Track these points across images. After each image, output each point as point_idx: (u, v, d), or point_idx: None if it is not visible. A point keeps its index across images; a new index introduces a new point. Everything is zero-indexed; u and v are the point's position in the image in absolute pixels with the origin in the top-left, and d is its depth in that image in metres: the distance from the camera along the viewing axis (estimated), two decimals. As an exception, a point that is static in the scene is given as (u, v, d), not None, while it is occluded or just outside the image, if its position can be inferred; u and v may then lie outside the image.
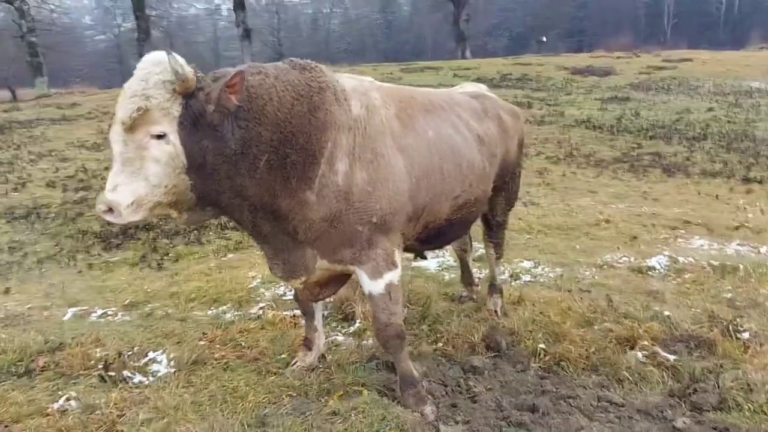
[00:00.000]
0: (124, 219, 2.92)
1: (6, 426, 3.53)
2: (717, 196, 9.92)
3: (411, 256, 5.98)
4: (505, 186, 4.81)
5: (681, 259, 6.49)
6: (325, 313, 5.28)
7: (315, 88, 3.28)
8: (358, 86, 3.58)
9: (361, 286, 3.82)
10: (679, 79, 21.83)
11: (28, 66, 29.67)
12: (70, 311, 5.43)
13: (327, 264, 3.55)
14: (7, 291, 5.98)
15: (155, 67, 2.93)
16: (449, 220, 4.05)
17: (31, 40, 28.85)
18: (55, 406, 3.71)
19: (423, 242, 4.08)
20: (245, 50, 37.71)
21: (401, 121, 3.69)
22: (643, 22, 63.90)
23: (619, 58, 28.97)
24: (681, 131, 14.59)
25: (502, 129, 4.50)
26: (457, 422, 3.62)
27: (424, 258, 5.19)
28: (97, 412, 3.63)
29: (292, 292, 4.29)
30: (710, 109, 16.65)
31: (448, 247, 5.84)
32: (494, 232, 5.10)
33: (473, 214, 4.32)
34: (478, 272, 6.10)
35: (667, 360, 4.33)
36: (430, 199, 3.77)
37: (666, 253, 6.74)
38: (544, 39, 47.41)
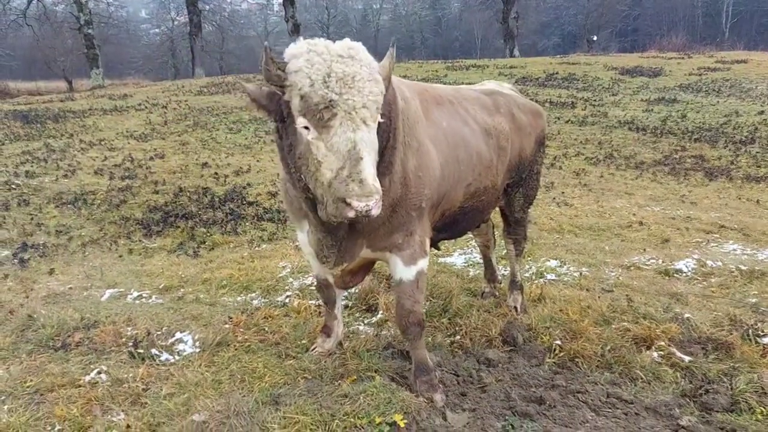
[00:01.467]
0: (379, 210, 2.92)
1: (41, 394, 3.80)
2: (758, 201, 9.69)
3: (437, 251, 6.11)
4: (522, 182, 4.89)
5: (709, 262, 6.42)
6: (350, 303, 5.46)
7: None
8: (393, 79, 3.72)
9: (390, 275, 3.97)
10: (732, 80, 21.19)
11: (85, 58, 30.68)
12: (108, 292, 5.72)
13: (370, 252, 3.71)
14: (51, 272, 6.32)
15: (364, 53, 3.03)
16: (462, 207, 4.19)
17: (87, 32, 29.88)
18: (87, 378, 3.96)
19: (438, 231, 4.19)
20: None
21: (425, 112, 3.85)
22: (700, 22, 62.08)
23: (670, 58, 28.24)
24: (728, 134, 14.23)
25: (515, 125, 4.59)
26: (464, 410, 3.73)
27: (437, 248, 5.27)
28: (124, 386, 3.88)
29: (315, 281, 4.44)
30: (761, 113, 16.14)
31: (474, 243, 5.93)
32: (513, 228, 5.17)
33: (483, 203, 4.41)
34: (503, 269, 6.16)
35: (682, 361, 4.34)
36: (450, 187, 3.94)
37: (695, 256, 6.66)
38: (594, 38, 46.63)
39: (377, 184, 2.85)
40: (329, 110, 2.82)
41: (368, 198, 2.80)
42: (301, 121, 2.90)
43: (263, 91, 3.07)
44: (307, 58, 2.88)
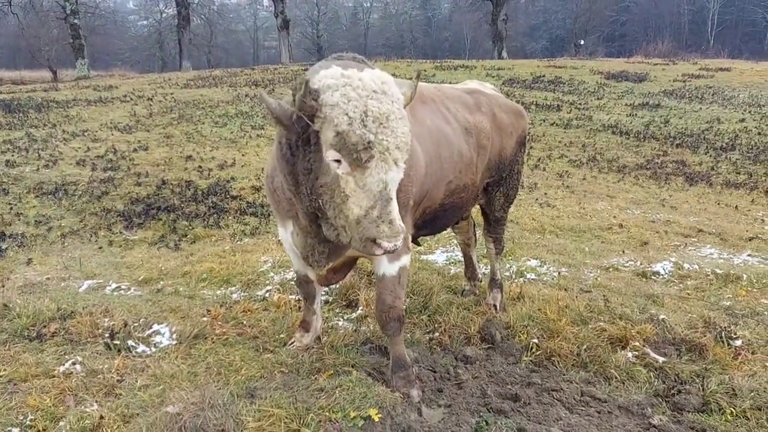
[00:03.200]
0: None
1: (15, 384, 3.76)
2: (736, 207, 9.84)
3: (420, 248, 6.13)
4: (502, 182, 4.93)
5: (686, 265, 6.50)
6: (330, 298, 5.47)
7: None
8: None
9: (373, 270, 3.99)
10: (714, 88, 21.44)
11: (70, 48, 30.37)
12: (86, 283, 5.69)
13: (355, 251, 3.70)
14: (29, 262, 6.27)
15: (394, 86, 2.98)
16: (443, 205, 4.22)
17: (73, 22, 29.60)
18: (61, 369, 3.92)
19: (419, 228, 4.21)
20: (283, 41, 38.14)
21: (410, 110, 3.85)
22: (686, 29, 62.70)
23: (656, 64, 28.52)
24: (709, 141, 14.41)
25: (496, 125, 4.62)
26: (439, 405, 3.75)
27: (418, 245, 5.29)
28: (99, 377, 3.85)
29: (295, 276, 4.44)
30: (742, 120, 16.36)
31: (456, 242, 5.95)
32: (493, 227, 5.21)
33: (463, 200, 4.44)
34: (484, 268, 6.19)
35: (656, 361, 4.39)
36: (432, 184, 3.96)
37: (672, 259, 6.74)
38: (582, 42, 46.96)
39: (402, 223, 2.92)
40: (367, 151, 2.79)
41: (396, 238, 2.87)
42: (332, 155, 2.86)
43: (287, 111, 2.93)
44: (344, 93, 2.80)
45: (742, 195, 10.65)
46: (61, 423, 3.34)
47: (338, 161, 2.86)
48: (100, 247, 6.97)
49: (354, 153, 2.79)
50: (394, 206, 2.91)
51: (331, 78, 2.85)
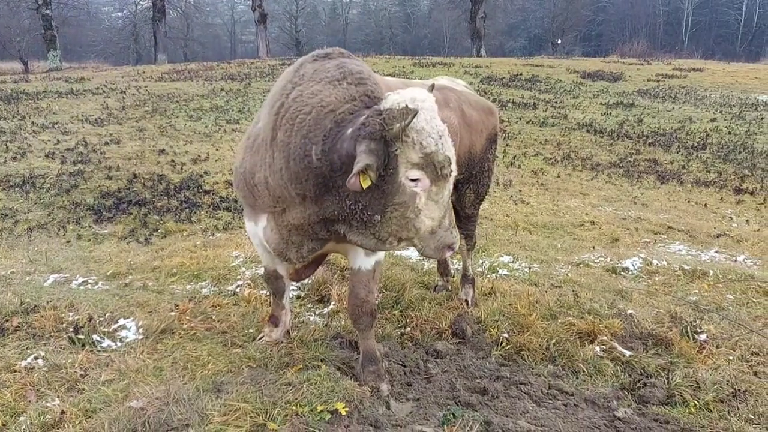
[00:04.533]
0: None
1: (-26, 379, 3.68)
2: (706, 204, 9.99)
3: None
4: (473, 179, 4.94)
5: (655, 261, 6.59)
6: (302, 293, 5.44)
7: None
8: None
9: (348, 264, 3.97)
10: (687, 88, 21.76)
11: (42, 39, 29.82)
12: (52, 277, 5.58)
13: (333, 245, 3.71)
14: (-6, 255, 6.14)
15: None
16: None
17: (45, 12, 29.08)
18: (23, 363, 3.86)
19: None
20: (261, 35, 37.85)
21: None
22: (661, 30, 63.58)
23: (631, 64, 28.86)
24: (681, 140, 14.61)
25: (465, 121, 4.62)
26: (408, 399, 3.75)
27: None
28: (61, 371, 3.79)
29: (264, 271, 4.40)
30: (713, 120, 16.63)
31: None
32: (464, 224, 5.21)
33: None
34: (456, 264, 6.21)
35: (623, 355, 4.45)
36: None
37: (642, 255, 6.83)
38: (559, 41, 47.40)
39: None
40: (448, 167, 2.98)
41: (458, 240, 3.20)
42: (414, 174, 2.95)
43: (377, 152, 2.88)
44: (424, 117, 2.90)
45: (712, 193, 10.82)
46: (21, 418, 3.28)
47: (416, 180, 2.97)
48: (68, 241, 6.85)
49: (438, 170, 2.96)
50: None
51: (409, 102, 2.90)
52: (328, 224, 3.34)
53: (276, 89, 3.48)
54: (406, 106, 2.84)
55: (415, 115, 2.82)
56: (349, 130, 2.98)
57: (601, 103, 18.71)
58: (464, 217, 5.17)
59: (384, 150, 2.87)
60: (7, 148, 10.11)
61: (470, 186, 4.96)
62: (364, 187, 2.85)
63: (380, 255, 3.78)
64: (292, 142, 3.16)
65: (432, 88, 3.28)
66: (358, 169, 2.78)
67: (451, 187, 3.13)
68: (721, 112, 17.78)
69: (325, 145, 3.05)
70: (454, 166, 3.03)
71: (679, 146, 14.04)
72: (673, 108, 18.18)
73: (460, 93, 4.80)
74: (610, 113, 17.28)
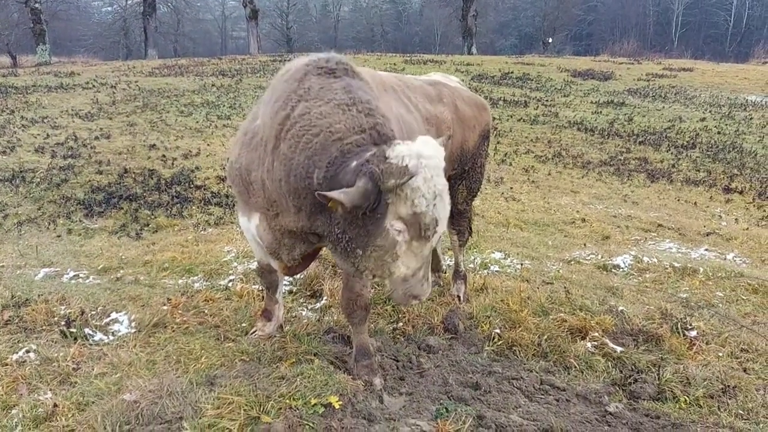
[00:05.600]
0: None
1: (-35, 373, 3.66)
2: (695, 203, 10.07)
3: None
4: (465, 175, 4.96)
5: (645, 259, 6.64)
6: (294, 288, 5.43)
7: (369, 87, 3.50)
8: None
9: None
10: (677, 87, 21.90)
11: (31, 33, 29.55)
12: (43, 271, 5.54)
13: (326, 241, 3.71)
14: (-17, 249, 6.09)
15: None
16: None
17: (34, 6, 28.82)
18: (14, 357, 3.84)
19: None
20: (251, 31, 37.70)
21: (381, 100, 3.86)
22: (651, 30, 63.89)
23: (621, 63, 29.00)
24: (671, 139, 14.70)
25: (458, 117, 4.64)
26: (401, 393, 3.77)
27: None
28: (53, 365, 3.77)
29: (258, 266, 4.39)
30: (702, 119, 16.75)
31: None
32: (456, 219, 5.22)
33: None
34: (448, 260, 6.22)
35: (614, 351, 4.48)
36: None
37: (632, 253, 6.88)
38: (550, 40, 47.55)
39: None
40: (434, 228, 3.01)
41: (430, 288, 3.29)
42: (398, 226, 2.98)
43: (365, 194, 2.89)
44: (424, 176, 2.89)
45: (702, 192, 10.91)
46: (13, 411, 3.27)
47: (400, 231, 3.00)
48: (59, 236, 6.80)
49: (423, 231, 2.99)
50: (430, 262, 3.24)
51: (414, 158, 2.89)
52: (319, 235, 3.38)
53: (277, 94, 3.44)
54: (407, 166, 2.85)
55: (411, 177, 2.85)
56: (354, 164, 2.99)
57: (591, 102, 18.79)
58: (456, 213, 5.17)
59: (377, 194, 2.90)
60: (-5, 141, 10.03)
61: (463, 182, 4.98)
62: (332, 208, 2.92)
63: None
64: (296, 159, 3.17)
65: (448, 138, 3.37)
66: (337, 199, 2.82)
67: (435, 242, 3.14)
68: (710, 111, 17.92)
69: (328, 172, 3.07)
70: (441, 228, 3.06)
71: (669, 145, 14.13)
72: (663, 107, 18.29)
73: (453, 89, 4.82)
74: (601, 112, 17.36)
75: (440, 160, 3.02)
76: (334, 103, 3.20)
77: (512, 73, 23.80)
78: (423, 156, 2.90)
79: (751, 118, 17.12)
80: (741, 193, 10.85)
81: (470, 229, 5.50)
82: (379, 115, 3.24)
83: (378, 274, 3.20)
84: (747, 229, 8.68)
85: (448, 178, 4.80)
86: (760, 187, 11.21)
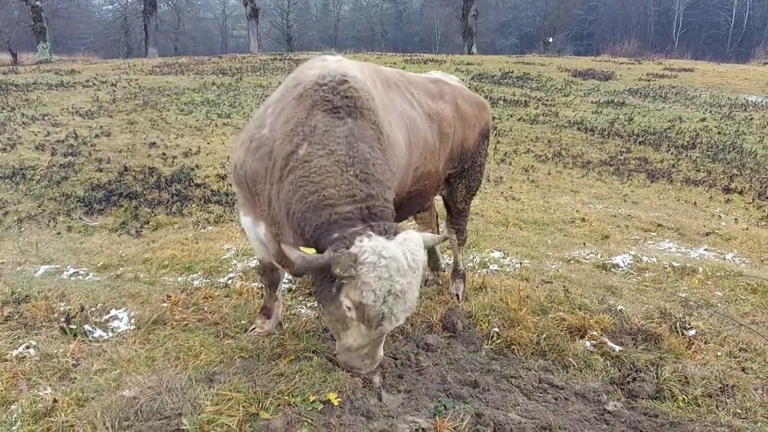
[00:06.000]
0: None
1: (-36, 368, 3.66)
2: (695, 203, 10.07)
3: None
4: (465, 173, 4.96)
5: (645, 258, 6.64)
6: (293, 286, 5.44)
7: (378, 125, 3.48)
8: (362, 73, 3.71)
9: None
10: (678, 88, 21.90)
11: (32, 30, 29.53)
12: (43, 268, 5.56)
13: None
14: (-17, 245, 6.10)
15: (422, 253, 3.16)
16: (409, 192, 4.24)
17: (35, 4, 28.79)
18: (14, 353, 3.85)
19: None
20: (252, 30, 37.70)
21: (387, 97, 3.88)
22: (652, 30, 63.88)
23: (621, 63, 28.99)
24: (671, 139, 14.70)
25: (459, 114, 4.64)
26: (399, 391, 3.77)
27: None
28: (53, 361, 3.78)
29: (259, 264, 4.40)
30: (703, 120, 16.75)
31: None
32: (455, 218, 5.24)
33: (427, 187, 4.47)
34: (447, 259, 6.23)
35: (613, 350, 4.48)
36: (404, 171, 3.96)
37: (632, 252, 6.89)
38: (551, 40, 47.55)
39: (383, 353, 3.42)
40: (379, 322, 3.07)
41: (375, 366, 3.41)
42: (348, 303, 3.08)
43: (317, 263, 3.03)
44: (378, 274, 2.94)
45: (701, 192, 10.91)
46: (12, 407, 3.28)
47: (350, 308, 3.10)
48: (59, 233, 6.81)
49: (366, 321, 3.07)
50: (382, 343, 3.33)
51: (373, 255, 2.95)
52: None
53: (286, 114, 3.46)
54: (355, 261, 2.92)
55: (351, 277, 2.94)
56: (335, 236, 3.09)
57: (591, 102, 18.79)
58: (455, 212, 5.19)
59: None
60: (-4, 139, 10.04)
61: (462, 181, 4.98)
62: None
63: None
64: (294, 207, 3.27)
65: (433, 242, 3.46)
66: (292, 259, 3.01)
67: (390, 328, 3.18)
68: (710, 112, 17.91)
69: (315, 233, 3.18)
70: (393, 324, 3.10)
71: (669, 145, 14.13)
72: (664, 107, 18.29)
73: (454, 87, 4.82)
74: (601, 112, 17.35)
75: (412, 260, 3.04)
76: (334, 158, 3.22)
77: (512, 72, 23.80)
78: (385, 256, 2.94)
79: (751, 119, 17.11)
80: (741, 193, 10.85)
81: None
82: (374, 182, 3.26)
83: (331, 331, 3.39)
84: (746, 229, 8.69)
85: (448, 177, 4.85)
86: (760, 187, 11.21)
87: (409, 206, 4.45)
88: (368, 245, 2.96)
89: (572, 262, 6.61)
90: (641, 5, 65.49)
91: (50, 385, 3.50)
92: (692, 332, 4.75)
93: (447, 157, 4.60)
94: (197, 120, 13.11)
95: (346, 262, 2.92)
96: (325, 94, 3.39)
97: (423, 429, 3.28)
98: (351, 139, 3.29)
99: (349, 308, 3.09)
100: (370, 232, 3.02)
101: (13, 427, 3.10)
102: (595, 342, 4.57)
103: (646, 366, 4.29)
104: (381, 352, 3.34)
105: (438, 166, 4.46)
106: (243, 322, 4.55)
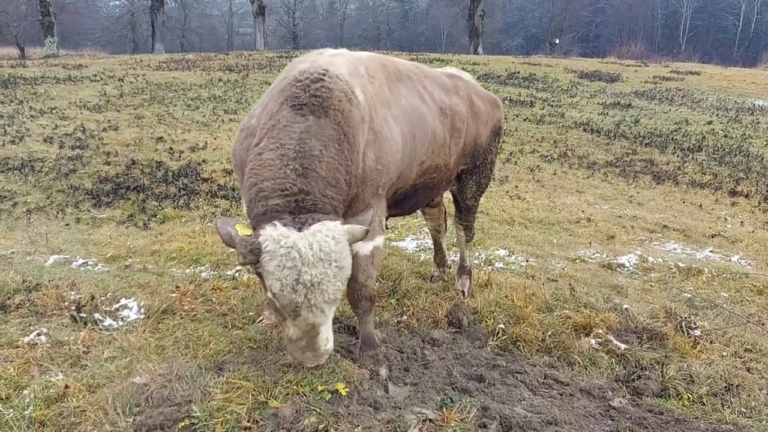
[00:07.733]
0: None
1: (-23, 354, 3.71)
2: (701, 205, 10.07)
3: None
4: (476, 170, 4.99)
5: (650, 259, 6.67)
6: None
7: (344, 126, 3.39)
8: (352, 70, 3.70)
9: None
10: (684, 90, 21.87)
11: (39, 25, 29.62)
12: (52, 258, 5.60)
13: None
14: (-7, 235, 6.14)
15: (336, 245, 3.09)
16: (414, 185, 4.26)
17: (44, -1, 28.83)
18: (26, 339, 3.89)
19: (389, 207, 4.24)
20: (258, 27, 37.76)
21: (390, 91, 3.89)
22: (659, 33, 63.81)
23: (628, 66, 28.97)
24: (677, 141, 14.69)
25: (472, 111, 4.67)
26: (406, 383, 3.80)
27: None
28: (64, 348, 3.82)
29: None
30: (709, 123, 16.73)
31: (426, 229, 5.98)
32: (464, 215, 5.26)
33: (434, 180, 4.49)
34: (453, 256, 6.26)
35: (618, 348, 4.51)
36: (406, 166, 3.97)
37: (637, 252, 6.91)
38: (557, 41, 47.46)
39: (330, 345, 3.30)
40: (295, 312, 3.06)
41: (319, 359, 3.32)
42: (270, 294, 3.11)
43: (239, 245, 3.06)
44: (279, 263, 2.95)
45: (707, 194, 10.91)
46: (25, 391, 3.31)
47: (271, 299, 3.13)
48: (67, 224, 6.86)
49: (283, 309, 3.08)
50: (321, 338, 3.22)
51: (273, 243, 2.97)
52: None
53: (264, 104, 3.55)
54: (250, 250, 2.99)
55: (252, 264, 3.04)
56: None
57: (598, 103, 18.78)
58: (464, 208, 5.22)
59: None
60: (5, 131, 10.09)
61: (473, 177, 5.01)
62: None
63: (378, 241, 3.80)
64: (245, 197, 3.37)
65: (365, 233, 3.29)
66: (220, 234, 3.11)
67: (321, 320, 3.16)
68: (717, 115, 17.89)
69: (253, 223, 3.27)
70: (311, 317, 3.08)
71: (675, 148, 14.13)
72: (670, 110, 18.27)
73: (468, 83, 4.85)
74: (607, 113, 17.35)
75: (319, 250, 3.00)
76: (280, 152, 3.22)
77: (518, 73, 23.80)
78: (284, 246, 2.95)
79: (758, 122, 17.08)
80: (747, 196, 10.84)
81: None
82: (314, 178, 3.23)
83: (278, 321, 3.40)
84: (752, 231, 8.69)
85: (459, 173, 4.87)
86: (766, 190, 11.20)
87: (415, 198, 4.47)
88: (269, 234, 2.99)
89: (578, 261, 6.63)
90: (648, 8, 65.40)
91: (62, 371, 3.53)
92: (697, 332, 4.77)
93: (459, 153, 4.62)
94: (204, 115, 13.16)
95: (242, 248, 2.99)
96: (297, 91, 3.39)
97: (430, 420, 3.31)
98: (305, 135, 3.26)
99: (270, 298, 3.13)
100: (276, 223, 3.04)
101: (26, 411, 3.13)
102: (600, 340, 4.60)
103: (651, 364, 4.32)
104: (326, 346, 3.25)
105: (448, 161, 4.48)
106: (251, 313, 4.58)
